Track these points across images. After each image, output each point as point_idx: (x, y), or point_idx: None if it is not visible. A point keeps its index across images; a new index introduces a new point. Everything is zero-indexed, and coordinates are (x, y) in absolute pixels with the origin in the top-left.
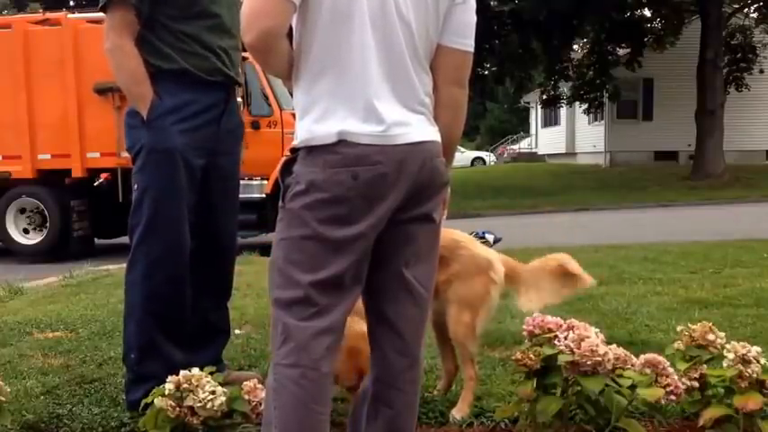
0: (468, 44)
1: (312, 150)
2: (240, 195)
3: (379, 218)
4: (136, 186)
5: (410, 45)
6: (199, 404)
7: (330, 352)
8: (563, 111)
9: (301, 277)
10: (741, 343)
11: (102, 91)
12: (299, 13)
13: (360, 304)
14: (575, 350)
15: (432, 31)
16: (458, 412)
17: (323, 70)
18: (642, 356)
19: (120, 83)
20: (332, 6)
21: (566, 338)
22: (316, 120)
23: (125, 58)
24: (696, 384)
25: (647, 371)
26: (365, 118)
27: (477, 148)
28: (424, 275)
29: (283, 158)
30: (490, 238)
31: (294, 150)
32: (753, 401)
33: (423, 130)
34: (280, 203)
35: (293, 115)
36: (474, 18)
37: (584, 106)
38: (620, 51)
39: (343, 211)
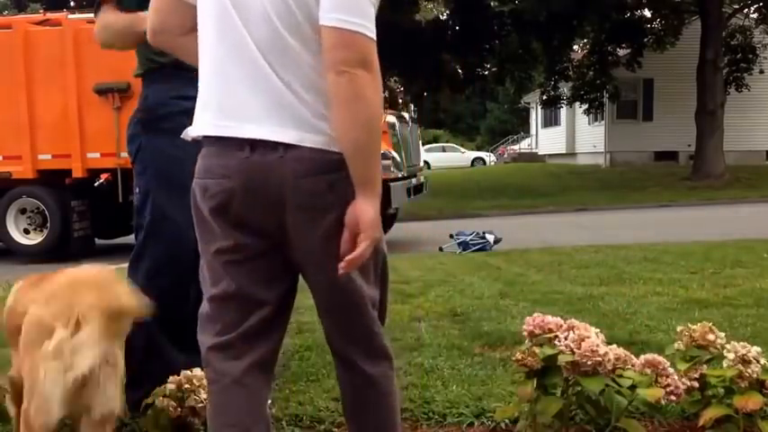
0: (344, 20)
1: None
2: None
3: (245, 235)
4: (137, 190)
5: (276, 30)
6: (200, 404)
7: (235, 364)
8: (563, 111)
9: (207, 290)
10: (741, 343)
11: (102, 91)
12: None
13: None
14: (575, 350)
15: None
16: None
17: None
18: (642, 357)
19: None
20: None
21: (566, 339)
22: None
23: (111, 25)
24: (696, 384)
25: (648, 371)
26: (206, 109)
27: (478, 149)
28: (338, 306)
29: None
30: (490, 238)
31: None
32: (753, 401)
33: (284, 130)
34: None
35: None
36: None
37: (585, 107)
38: (621, 52)
39: (204, 224)
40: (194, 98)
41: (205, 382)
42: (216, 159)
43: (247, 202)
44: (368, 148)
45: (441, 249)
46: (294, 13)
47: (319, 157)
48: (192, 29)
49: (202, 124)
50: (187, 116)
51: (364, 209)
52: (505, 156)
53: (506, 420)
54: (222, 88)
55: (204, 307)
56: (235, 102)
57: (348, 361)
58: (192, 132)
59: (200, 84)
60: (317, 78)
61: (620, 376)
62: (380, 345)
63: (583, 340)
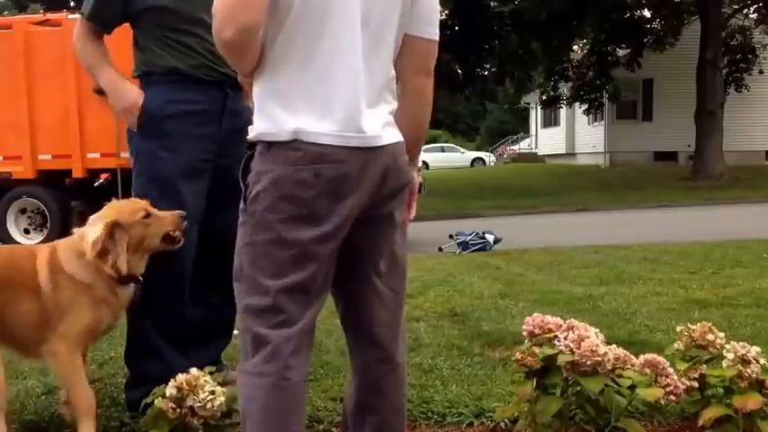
0: (436, 33)
1: (271, 146)
2: None
3: (344, 218)
4: (133, 193)
5: (376, 35)
6: (199, 404)
7: (301, 359)
8: (563, 111)
9: (269, 283)
10: (741, 343)
11: (102, 91)
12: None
13: None
14: (575, 350)
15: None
16: None
17: (284, 63)
18: (642, 356)
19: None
20: None
21: (566, 338)
22: (273, 114)
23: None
24: (696, 384)
25: (647, 371)
26: (325, 115)
27: (477, 149)
28: (392, 277)
29: (245, 156)
30: (490, 238)
31: (251, 146)
32: (752, 401)
33: (385, 128)
34: (241, 206)
35: None
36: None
37: (584, 107)
38: (620, 52)
39: (307, 210)
40: (187, 101)
41: (203, 381)
42: (330, 149)
43: (359, 182)
44: None
45: (440, 249)
46: (400, 28)
47: (400, 142)
48: None
49: (322, 134)
50: (180, 120)
51: (416, 180)
52: (505, 156)
53: (506, 420)
54: (336, 95)
55: (259, 300)
56: (354, 108)
57: (377, 342)
58: (307, 138)
59: (308, 86)
60: (393, 81)
61: (620, 376)
62: (404, 333)
63: (582, 340)
